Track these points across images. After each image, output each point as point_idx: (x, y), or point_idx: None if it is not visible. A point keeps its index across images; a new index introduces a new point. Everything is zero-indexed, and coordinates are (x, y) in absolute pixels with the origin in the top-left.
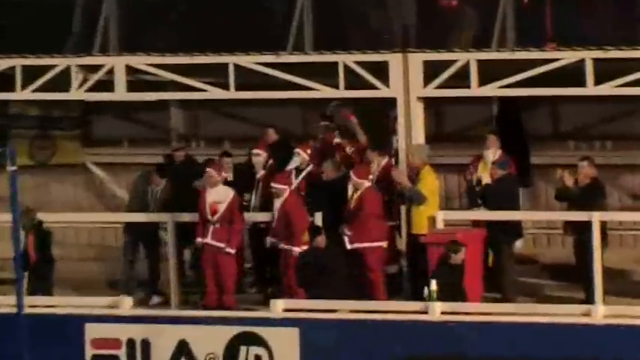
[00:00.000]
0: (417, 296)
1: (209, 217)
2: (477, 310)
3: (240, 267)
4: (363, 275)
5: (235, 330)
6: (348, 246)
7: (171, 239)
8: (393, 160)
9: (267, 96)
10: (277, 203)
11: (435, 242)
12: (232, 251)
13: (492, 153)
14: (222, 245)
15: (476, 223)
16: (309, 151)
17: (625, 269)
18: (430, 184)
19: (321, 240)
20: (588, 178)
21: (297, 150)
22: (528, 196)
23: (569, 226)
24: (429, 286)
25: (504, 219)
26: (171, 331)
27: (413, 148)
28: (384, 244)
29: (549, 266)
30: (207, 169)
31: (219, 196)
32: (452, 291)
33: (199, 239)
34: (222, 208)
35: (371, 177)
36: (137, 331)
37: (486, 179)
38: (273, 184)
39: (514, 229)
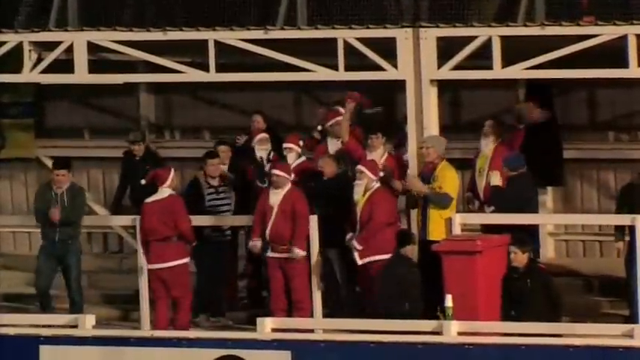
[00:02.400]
0: (430, 314)
1: None
2: (499, 331)
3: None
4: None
5: (216, 353)
6: (359, 262)
7: (140, 246)
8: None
9: (253, 79)
10: (275, 197)
11: (450, 251)
12: None
13: (492, 142)
14: None
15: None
16: (301, 143)
17: None
18: (452, 179)
19: (411, 250)
20: None
21: (289, 146)
22: (561, 196)
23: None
24: (443, 301)
25: (530, 223)
26: (141, 355)
27: (430, 141)
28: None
29: (586, 278)
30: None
31: None
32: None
33: None
34: None
35: (381, 174)
36: (101, 355)
37: (496, 180)
38: (275, 171)
39: (532, 238)
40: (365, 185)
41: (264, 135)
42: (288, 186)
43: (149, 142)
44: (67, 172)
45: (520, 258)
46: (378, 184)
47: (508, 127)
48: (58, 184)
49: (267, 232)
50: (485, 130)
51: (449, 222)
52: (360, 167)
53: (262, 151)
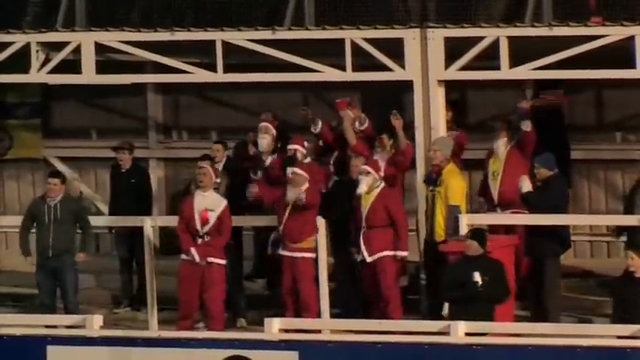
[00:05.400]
0: (436, 314)
1: (198, 227)
2: (508, 331)
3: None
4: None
5: (224, 354)
6: (368, 259)
7: (149, 245)
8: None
9: (261, 79)
10: (291, 195)
11: (457, 251)
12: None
13: (504, 144)
14: (214, 259)
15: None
16: (306, 144)
17: None
18: (458, 187)
19: (476, 246)
20: None
21: (294, 147)
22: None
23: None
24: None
25: (545, 224)
26: (149, 356)
27: (437, 143)
28: (406, 253)
29: (593, 279)
30: (202, 166)
31: (210, 202)
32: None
33: (193, 251)
34: (213, 217)
35: (381, 173)
36: (108, 355)
37: (527, 186)
38: (294, 169)
39: (563, 238)
40: (370, 184)
41: (264, 124)
42: (306, 185)
43: (159, 144)
44: (59, 183)
45: (637, 263)
46: (383, 184)
47: (516, 129)
48: (55, 194)
49: (281, 228)
50: (497, 133)
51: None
52: (364, 168)
53: (262, 139)
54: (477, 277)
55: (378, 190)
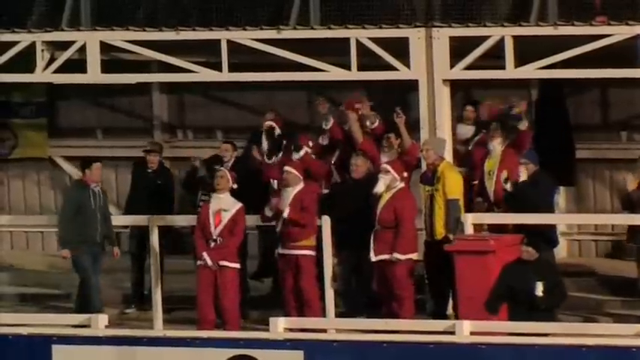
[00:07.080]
0: (441, 314)
1: (212, 229)
2: (513, 330)
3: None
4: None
5: (228, 353)
6: (373, 258)
7: (154, 245)
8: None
9: (266, 78)
10: (286, 195)
11: (463, 250)
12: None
13: (499, 144)
14: (227, 263)
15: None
16: (311, 144)
17: None
18: (455, 181)
19: (532, 252)
20: None
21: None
22: (573, 196)
23: (631, 233)
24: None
25: (547, 223)
26: (154, 355)
27: (429, 142)
28: (416, 255)
29: (598, 278)
30: (219, 169)
31: (225, 203)
32: None
33: (205, 255)
34: (226, 217)
35: (405, 174)
36: (114, 355)
37: (524, 176)
38: (287, 168)
39: (553, 232)
40: (388, 184)
41: (269, 123)
42: (301, 186)
43: (165, 144)
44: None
45: None
46: (402, 184)
47: (512, 129)
48: (98, 179)
49: (278, 229)
50: (492, 133)
51: None
52: (385, 166)
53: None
54: (540, 289)
55: (394, 190)
